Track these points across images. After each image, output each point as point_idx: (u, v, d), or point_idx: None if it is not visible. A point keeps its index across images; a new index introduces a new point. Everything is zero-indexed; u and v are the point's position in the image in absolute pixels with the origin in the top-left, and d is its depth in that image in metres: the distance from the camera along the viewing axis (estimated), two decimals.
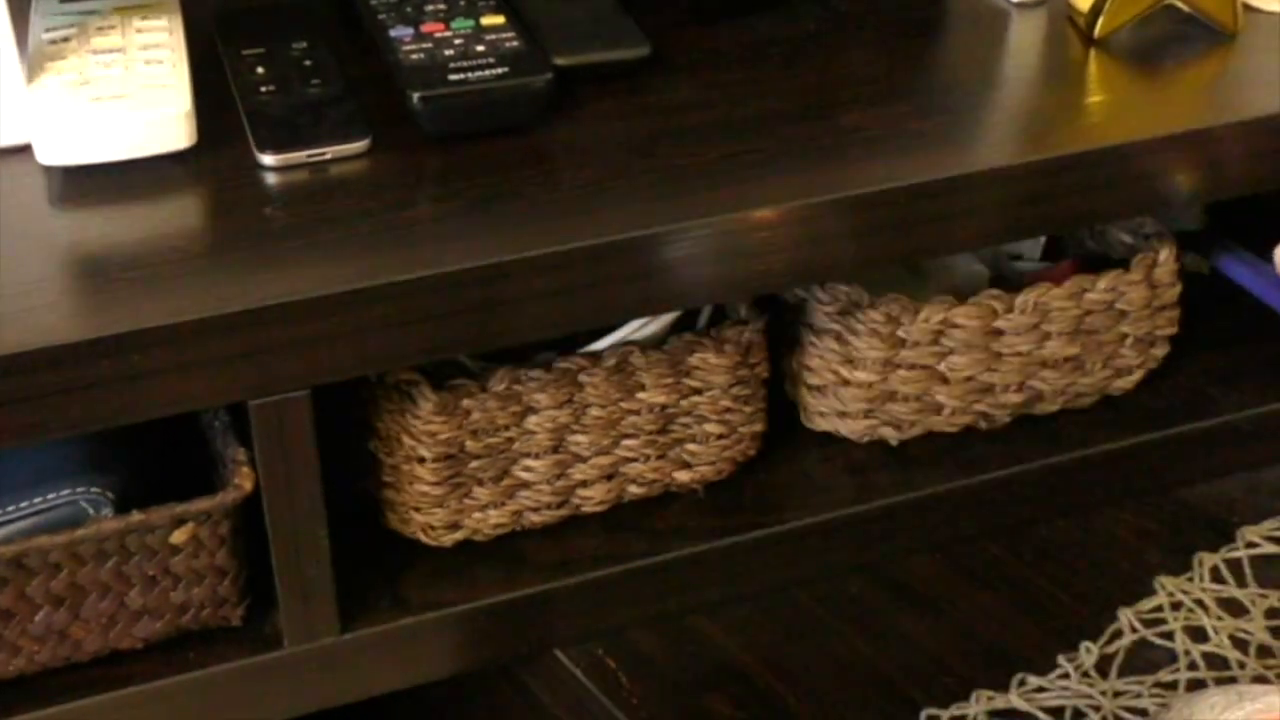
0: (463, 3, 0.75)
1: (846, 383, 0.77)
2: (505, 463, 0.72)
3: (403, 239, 0.63)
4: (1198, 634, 0.82)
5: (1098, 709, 0.78)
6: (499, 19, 0.74)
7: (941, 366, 0.77)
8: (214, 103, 0.70)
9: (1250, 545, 0.87)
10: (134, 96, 0.66)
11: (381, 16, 0.74)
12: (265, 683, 0.69)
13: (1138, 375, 0.83)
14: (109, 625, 0.66)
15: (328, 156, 0.68)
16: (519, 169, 0.68)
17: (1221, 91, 0.78)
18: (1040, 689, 0.79)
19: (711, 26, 0.80)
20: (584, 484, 0.74)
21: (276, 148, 0.67)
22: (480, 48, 0.71)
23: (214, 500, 0.64)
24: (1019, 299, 0.76)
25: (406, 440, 0.70)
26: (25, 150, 0.66)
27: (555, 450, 0.72)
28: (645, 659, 0.77)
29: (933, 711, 0.77)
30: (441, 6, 0.74)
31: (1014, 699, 0.78)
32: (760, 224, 0.66)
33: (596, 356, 0.71)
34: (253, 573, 0.69)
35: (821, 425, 0.80)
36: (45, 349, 0.57)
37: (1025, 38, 0.80)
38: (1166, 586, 0.85)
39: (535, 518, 0.74)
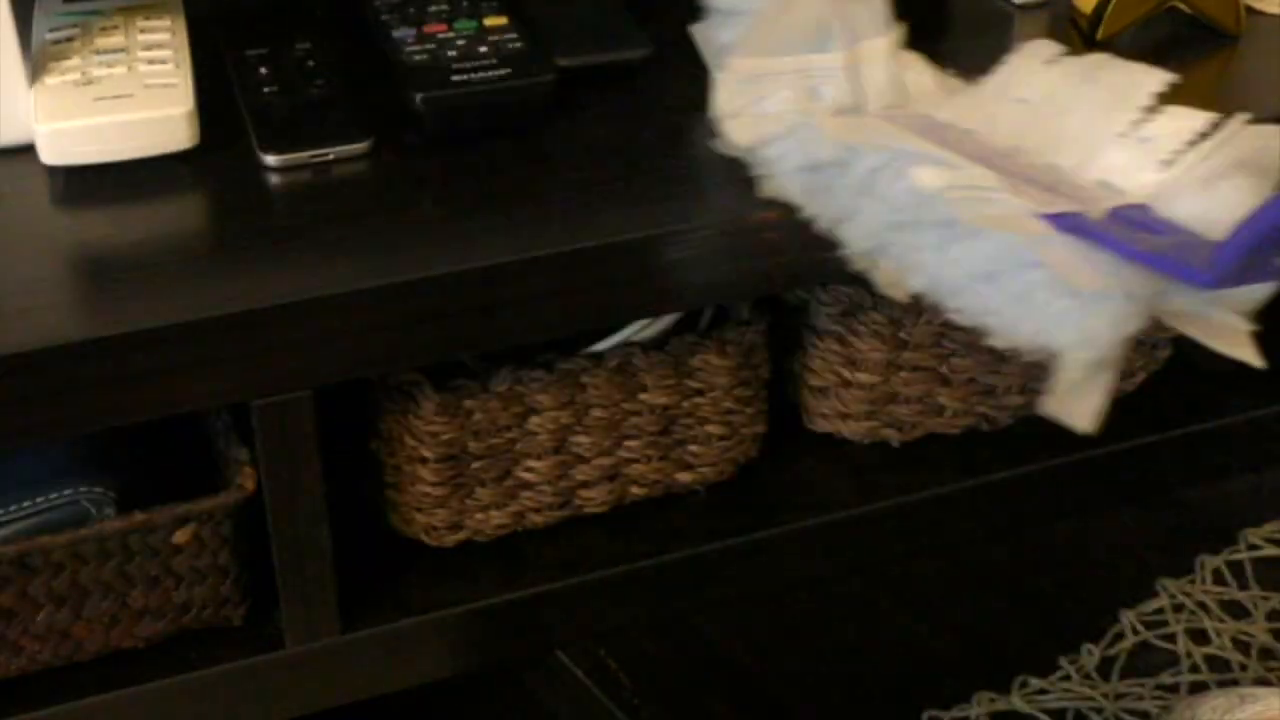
0: (465, 4, 0.75)
1: (848, 384, 0.77)
2: (507, 463, 0.72)
3: (405, 239, 0.63)
4: (1199, 636, 0.83)
5: (1099, 711, 0.79)
6: (501, 20, 0.74)
7: (943, 368, 0.77)
8: (217, 103, 0.70)
9: (1252, 547, 0.87)
10: (137, 97, 0.66)
11: (384, 17, 0.74)
12: (266, 683, 0.69)
13: (1140, 377, 0.83)
14: (111, 625, 0.66)
15: (330, 157, 0.68)
16: (521, 170, 0.68)
17: (1224, 93, 0.78)
18: (1042, 690, 0.79)
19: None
20: (586, 485, 0.74)
21: (279, 148, 0.67)
22: (483, 49, 0.71)
23: (216, 500, 0.64)
24: None
25: (408, 441, 0.70)
26: (28, 150, 0.66)
27: (557, 451, 0.72)
28: (646, 659, 0.77)
29: (934, 713, 0.77)
30: (444, 7, 0.74)
31: (1015, 700, 0.78)
32: (762, 225, 0.66)
33: (598, 357, 0.71)
34: (254, 573, 0.69)
35: (823, 427, 0.80)
36: (48, 349, 0.57)
37: (1028, 40, 0.80)
38: (1168, 588, 0.85)
39: (537, 518, 0.74)
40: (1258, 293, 0.57)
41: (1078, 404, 0.60)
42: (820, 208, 0.63)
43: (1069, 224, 0.56)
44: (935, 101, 0.66)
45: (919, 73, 0.67)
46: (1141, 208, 0.58)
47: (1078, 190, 0.59)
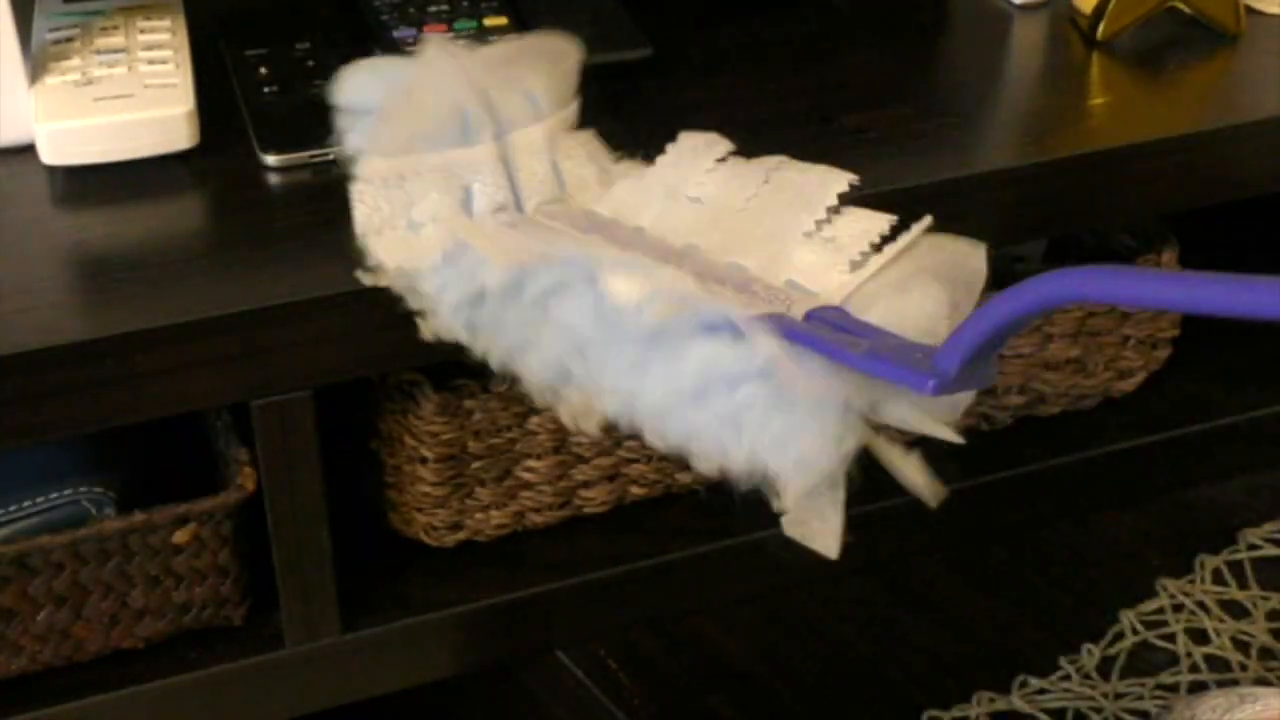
0: (465, 4, 0.75)
1: None
2: (507, 463, 0.72)
3: None
4: (1199, 636, 0.83)
5: (1099, 710, 0.78)
6: (501, 20, 0.74)
7: None
8: (217, 103, 0.70)
9: (1252, 547, 0.87)
10: (137, 97, 0.66)
11: (385, 17, 0.74)
12: (266, 683, 0.69)
13: (1139, 377, 0.83)
14: (111, 625, 0.66)
15: (330, 157, 0.68)
16: None
17: (1223, 93, 0.78)
18: (1042, 690, 0.79)
19: (713, 27, 0.80)
20: (586, 485, 0.74)
21: (279, 148, 0.67)
22: None
23: (216, 500, 0.64)
24: None
25: (408, 441, 0.70)
26: (29, 150, 0.66)
27: (557, 451, 0.72)
28: (646, 659, 0.77)
29: (934, 713, 0.77)
30: (444, 8, 0.75)
31: (1015, 700, 0.78)
32: None
33: None
34: (254, 573, 0.69)
35: None
36: (48, 349, 0.57)
37: (1028, 40, 0.80)
38: (1168, 588, 0.85)
39: (537, 518, 0.74)
40: (961, 402, 0.53)
41: (816, 526, 0.55)
42: (490, 344, 0.57)
43: (774, 326, 0.51)
44: (596, 195, 0.60)
45: (580, 163, 0.61)
46: (839, 310, 0.54)
47: (770, 291, 0.55)
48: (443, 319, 0.57)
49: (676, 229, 0.58)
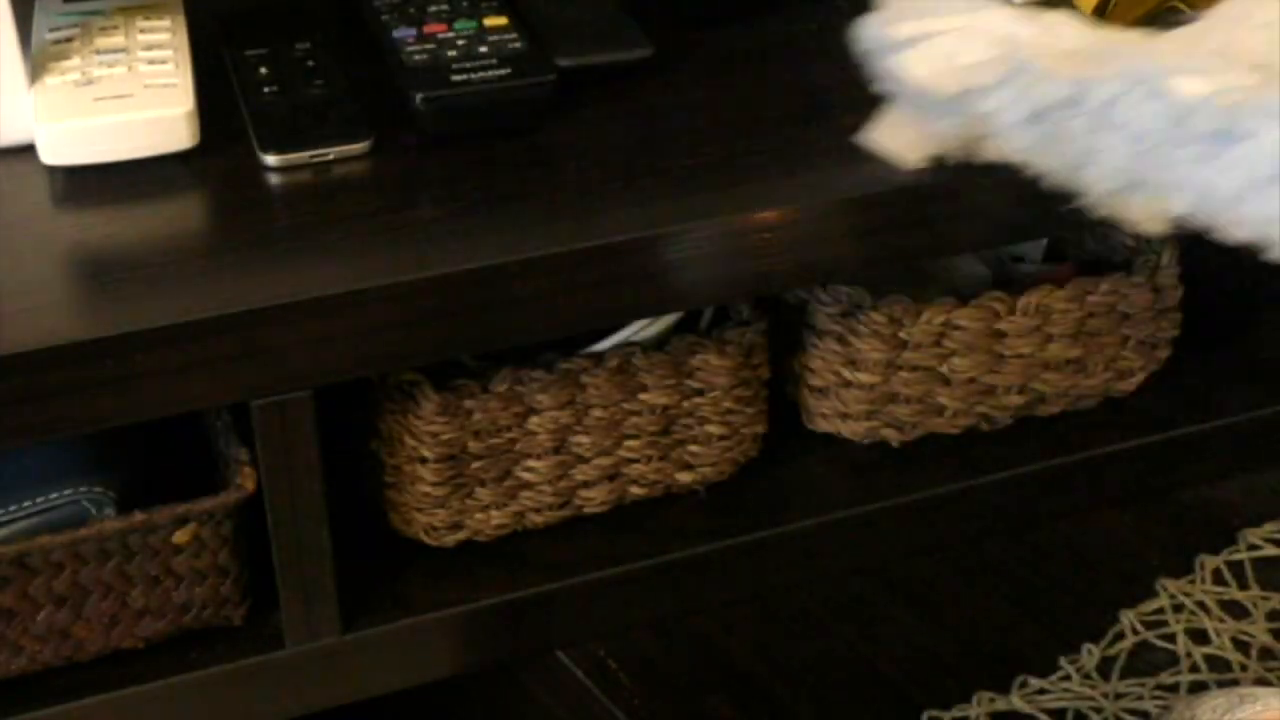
0: (465, 4, 0.75)
1: (848, 384, 0.77)
2: (507, 463, 0.72)
3: (405, 240, 0.63)
4: (1199, 636, 0.83)
5: (1099, 711, 0.79)
6: (501, 20, 0.74)
7: (943, 368, 0.77)
8: (217, 103, 0.70)
9: (1252, 547, 0.87)
10: (137, 97, 0.66)
11: (385, 17, 0.74)
12: (267, 683, 0.69)
13: (1139, 377, 0.83)
14: (111, 625, 0.66)
15: (330, 157, 0.68)
16: (521, 170, 0.68)
17: None
18: (1042, 690, 0.79)
19: (712, 28, 0.80)
20: (586, 485, 0.74)
21: (279, 148, 0.67)
22: (483, 49, 0.71)
23: (216, 500, 0.64)
24: (1021, 301, 0.76)
25: (408, 441, 0.70)
26: (28, 150, 0.66)
27: (557, 451, 0.72)
28: (646, 660, 0.77)
29: (934, 713, 0.77)
30: (444, 7, 0.75)
31: (1015, 700, 0.78)
32: (762, 225, 0.66)
33: (599, 357, 0.71)
34: (254, 573, 0.69)
35: (823, 427, 0.80)
36: (48, 349, 0.57)
37: None
38: (1168, 588, 0.85)
39: (537, 518, 0.74)
40: None
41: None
42: (1052, 158, 0.59)
43: None
44: (1142, 39, 0.60)
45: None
46: None
47: None
48: (1004, 138, 0.60)
49: (1246, 51, 0.58)
